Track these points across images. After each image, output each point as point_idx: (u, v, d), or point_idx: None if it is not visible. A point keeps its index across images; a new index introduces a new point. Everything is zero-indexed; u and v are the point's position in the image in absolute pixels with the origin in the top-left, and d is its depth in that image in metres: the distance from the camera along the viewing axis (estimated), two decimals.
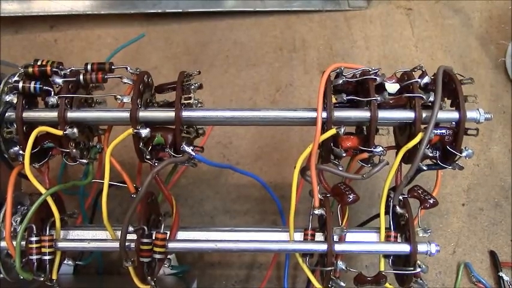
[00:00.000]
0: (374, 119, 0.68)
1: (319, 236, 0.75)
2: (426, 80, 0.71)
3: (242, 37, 1.24)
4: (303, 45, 1.23)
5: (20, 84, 0.69)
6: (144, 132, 0.69)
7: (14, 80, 0.70)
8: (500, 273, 1.00)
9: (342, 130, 0.69)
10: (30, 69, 0.71)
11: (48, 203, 0.72)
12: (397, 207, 0.73)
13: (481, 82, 1.19)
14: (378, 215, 0.75)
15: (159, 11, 1.22)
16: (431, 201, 0.73)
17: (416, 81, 0.70)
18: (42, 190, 0.71)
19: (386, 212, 0.74)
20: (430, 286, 1.03)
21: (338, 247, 0.72)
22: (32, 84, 0.69)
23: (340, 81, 0.71)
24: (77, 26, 1.24)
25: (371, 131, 0.69)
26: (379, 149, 0.70)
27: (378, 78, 0.70)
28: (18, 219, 0.73)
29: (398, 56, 1.22)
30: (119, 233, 0.71)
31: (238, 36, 1.24)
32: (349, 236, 0.74)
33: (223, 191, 1.10)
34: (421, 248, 0.72)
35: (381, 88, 0.71)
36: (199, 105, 0.72)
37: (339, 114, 0.69)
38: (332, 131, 0.69)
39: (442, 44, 1.23)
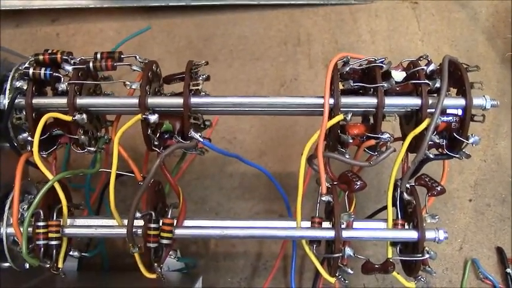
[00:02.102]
0: (381, 105, 0.69)
1: (326, 224, 0.74)
2: (432, 67, 0.71)
3: (246, 31, 1.22)
4: (308, 39, 1.21)
5: (31, 71, 0.69)
6: (153, 118, 0.69)
7: (24, 66, 0.70)
8: (508, 270, 0.99)
9: (349, 116, 0.69)
10: (41, 57, 0.71)
11: (56, 191, 0.72)
12: (405, 194, 0.73)
13: (487, 77, 1.17)
14: (385, 207, 0.74)
15: (162, 4, 1.21)
16: (438, 188, 0.73)
17: (422, 69, 0.70)
18: (50, 176, 0.71)
19: (394, 202, 0.74)
20: (437, 282, 1.02)
21: (346, 233, 0.71)
22: (43, 71, 0.70)
23: (347, 68, 0.71)
24: (79, 20, 1.22)
25: (378, 117, 0.69)
26: (386, 135, 0.70)
27: (384, 66, 0.70)
28: (25, 206, 0.73)
29: (404, 50, 1.20)
30: (125, 221, 0.70)
31: (242, 30, 1.22)
32: (357, 225, 0.74)
33: (227, 186, 1.09)
34: (429, 234, 0.71)
35: (387, 76, 0.71)
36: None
37: (346, 100, 0.70)
38: (339, 117, 0.69)
39: (448, 38, 1.22)
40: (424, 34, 1.22)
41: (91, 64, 0.71)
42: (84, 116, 0.69)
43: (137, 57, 0.73)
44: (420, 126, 0.69)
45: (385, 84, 0.69)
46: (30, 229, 0.71)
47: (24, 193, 0.75)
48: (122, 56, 0.73)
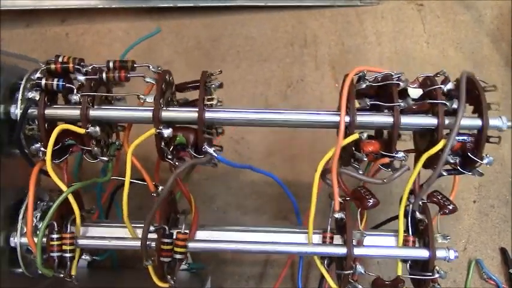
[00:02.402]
0: (397, 124, 0.69)
1: (337, 239, 0.76)
2: (450, 86, 0.71)
3: (253, 32, 1.23)
4: (314, 40, 1.23)
5: (43, 81, 0.69)
6: (167, 132, 0.69)
7: (36, 76, 0.70)
8: (511, 270, 1.01)
9: (365, 135, 0.69)
10: (53, 66, 0.70)
11: (68, 200, 0.72)
12: (417, 213, 0.73)
13: (491, 79, 1.18)
14: (395, 217, 0.75)
15: (171, 5, 1.22)
16: (450, 207, 0.74)
17: (440, 88, 0.70)
18: (64, 188, 0.71)
19: (405, 216, 0.74)
20: (442, 282, 1.03)
21: (357, 251, 0.72)
22: (55, 82, 0.69)
23: (364, 86, 0.70)
24: (88, 20, 1.24)
25: (393, 137, 0.69)
26: (401, 154, 0.70)
27: (401, 84, 0.70)
28: (38, 215, 0.74)
29: (409, 52, 1.22)
30: (137, 231, 0.71)
31: (249, 31, 1.23)
32: (367, 240, 0.74)
33: (235, 186, 1.10)
34: (440, 253, 0.72)
35: (403, 93, 0.71)
36: (219, 104, 0.72)
37: (361, 119, 0.69)
38: (355, 136, 0.69)
39: (453, 40, 1.23)
40: (430, 36, 1.23)
41: (104, 75, 0.71)
42: (98, 128, 0.69)
43: (150, 66, 0.72)
44: (435, 147, 0.69)
45: (402, 104, 0.69)
46: (44, 239, 0.71)
47: (37, 200, 0.76)
48: (135, 65, 0.73)
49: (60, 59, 0.72)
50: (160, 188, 0.72)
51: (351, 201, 0.75)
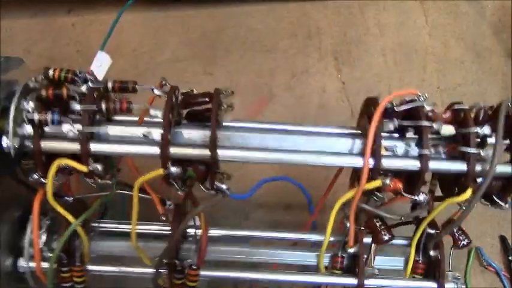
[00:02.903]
0: (424, 171, 0.64)
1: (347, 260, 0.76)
2: (486, 131, 0.64)
3: (257, 23, 1.25)
4: (318, 32, 1.24)
5: (36, 117, 0.62)
6: (176, 171, 0.64)
7: (28, 107, 0.62)
8: (510, 257, 1.03)
9: (388, 181, 0.65)
10: (44, 93, 0.63)
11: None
12: (431, 251, 0.74)
13: (493, 70, 1.20)
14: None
15: None
16: (465, 242, 0.73)
17: (476, 133, 0.64)
18: (72, 220, 0.68)
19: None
20: None
21: (368, 282, 0.72)
22: (49, 117, 0.62)
23: (392, 127, 0.65)
24: (94, 11, 1.25)
25: (419, 183, 0.65)
26: (423, 196, 0.66)
27: (434, 126, 0.65)
28: (44, 237, 0.71)
29: (412, 43, 1.23)
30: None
31: (253, 23, 1.25)
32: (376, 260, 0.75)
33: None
34: (449, 286, 0.74)
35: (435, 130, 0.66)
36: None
37: (387, 162, 0.64)
38: (377, 183, 0.64)
39: (455, 31, 1.24)
40: (432, 28, 1.25)
41: (103, 106, 0.64)
42: (99, 166, 0.63)
43: (154, 90, 0.65)
44: (463, 196, 0.65)
45: (433, 151, 0.65)
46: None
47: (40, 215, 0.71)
48: (137, 86, 0.66)
49: (50, 73, 0.64)
50: (168, 203, 0.70)
51: (365, 232, 0.74)
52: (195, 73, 1.18)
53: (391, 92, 1.14)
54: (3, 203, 0.66)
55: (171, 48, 1.22)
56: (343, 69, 1.20)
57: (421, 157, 0.64)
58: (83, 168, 0.63)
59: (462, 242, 0.73)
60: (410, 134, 0.65)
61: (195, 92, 0.68)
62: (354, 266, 0.74)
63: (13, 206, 0.70)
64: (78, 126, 0.62)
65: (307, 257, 0.78)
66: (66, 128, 0.62)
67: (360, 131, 0.70)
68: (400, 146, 0.66)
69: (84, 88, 0.64)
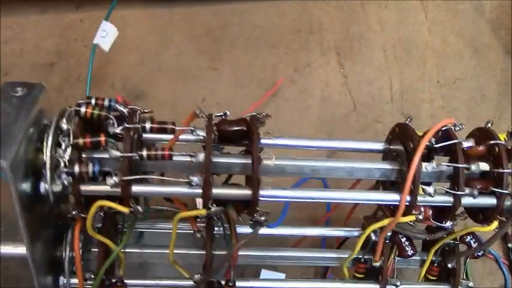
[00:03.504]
0: (456, 208, 0.67)
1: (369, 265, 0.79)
2: None
3: (261, 20, 1.28)
4: (320, 28, 1.27)
5: (76, 169, 0.60)
6: (217, 211, 0.65)
7: (65, 158, 0.60)
8: (509, 245, 1.05)
9: (421, 217, 0.68)
10: (81, 141, 0.61)
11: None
12: (449, 264, 0.78)
13: (491, 66, 1.23)
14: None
15: None
16: (480, 253, 0.77)
17: (509, 173, 0.66)
18: (113, 247, 0.68)
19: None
20: None
21: None
22: (90, 168, 0.61)
23: (430, 169, 0.66)
24: (102, 7, 1.27)
25: (450, 216, 0.68)
26: (449, 223, 0.69)
27: (472, 167, 0.66)
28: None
29: (412, 39, 1.26)
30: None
31: (257, 19, 1.28)
32: None
33: None
34: None
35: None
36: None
37: (422, 198, 0.67)
38: (411, 218, 0.67)
39: (454, 28, 1.27)
40: (431, 24, 1.28)
41: (144, 153, 0.62)
42: (141, 208, 0.64)
43: (193, 131, 0.65)
44: (489, 227, 0.69)
45: (467, 191, 0.66)
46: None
47: None
48: (176, 128, 0.66)
49: (82, 111, 0.62)
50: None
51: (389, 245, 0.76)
52: (200, 68, 1.21)
53: (392, 85, 1.20)
54: (37, 226, 0.64)
55: (176, 44, 1.24)
56: (345, 63, 1.23)
57: (454, 196, 0.66)
58: (124, 209, 0.63)
59: (478, 254, 0.78)
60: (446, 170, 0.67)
61: (227, 114, 0.67)
62: (377, 273, 0.77)
63: (45, 224, 0.67)
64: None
65: (330, 260, 0.81)
66: (110, 182, 0.61)
67: (391, 148, 0.72)
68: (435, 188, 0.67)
69: (118, 130, 0.62)
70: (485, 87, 1.22)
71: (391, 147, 0.72)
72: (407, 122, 0.71)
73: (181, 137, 0.66)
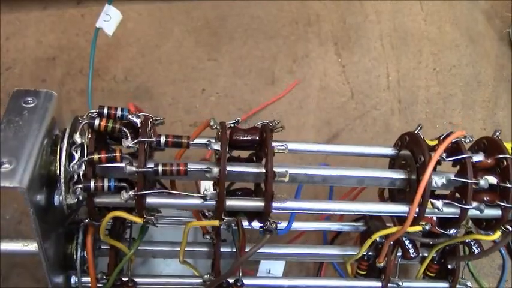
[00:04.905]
0: (462, 220, 0.68)
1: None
2: None
3: (259, 12, 1.30)
4: (317, 19, 1.29)
5: (92, 184, 0.60)
6: (229, 221, 0.66)
7: (79, 170, 0.60)
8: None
9: (428, 227, 0.69)
10: (96, 157, 0.60)
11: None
12: (449, 265, 0.80)
13: (486, 53, 1.25)
14: None
15: None
16: (478, 255, 0.78)
17: None
18: (127, 251, 0.70)
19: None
20: None
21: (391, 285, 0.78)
22: (106, 183, 0.61)
23: (440, 184, 0.67)
24: (102, 2, 1.29)
25: (455, 226, 0.70)
26: (453, 231, 0.71)
27: (481, 182, 0.66)
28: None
29: (408, 29, 1.28)
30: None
31: (255, 11, 1.30)
32: None
33: None
34: None
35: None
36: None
37: (430, 210, 0.67)
38: (418, 228, 0.68)
39: (449, 17, 1.30)
40: (427, 14, 1.30)
41: (160, 168, 0.61)
42: (154, 218, 0.64)
43: (208, 144, 0.65)
44: (491, 237, 0.71)
45: (474, 205, 0.66)
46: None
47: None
48: (191, 142, 0.65)
49: (96, 123, 0.61)
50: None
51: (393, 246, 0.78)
52: (199, 59, 1.23)
53: (389, 73, 1.22)
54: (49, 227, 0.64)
55: (176, 36, 1.26)
56: (343, 53, 1.25)
57: (461, 208, 0.67)
58: (138, 220, 0.64)
59: (476, 256, 0.79)
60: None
61: (239, 121, 0.68)
62: (379, 271, 0.79)
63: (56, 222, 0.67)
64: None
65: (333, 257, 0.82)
66: (124, 196, 0.61)
67: (400, 155, 0.73)
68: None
69: (132, 144, 0.61)
70: (481, 73, 1.24)
71: (400, 154, 0.73)
72: (417, 131, 0.71)
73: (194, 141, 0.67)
